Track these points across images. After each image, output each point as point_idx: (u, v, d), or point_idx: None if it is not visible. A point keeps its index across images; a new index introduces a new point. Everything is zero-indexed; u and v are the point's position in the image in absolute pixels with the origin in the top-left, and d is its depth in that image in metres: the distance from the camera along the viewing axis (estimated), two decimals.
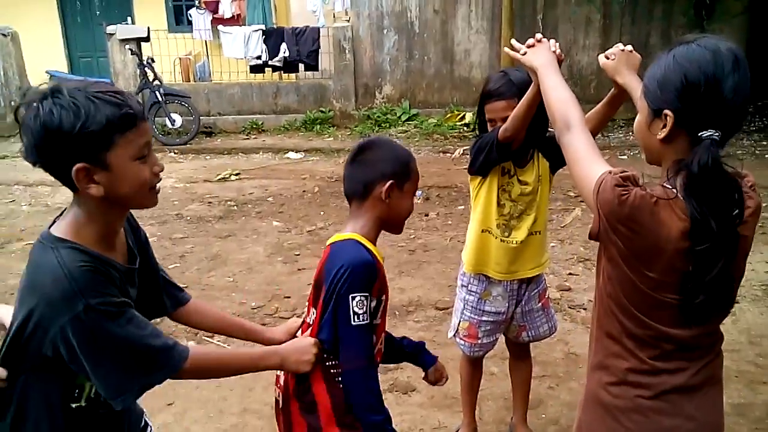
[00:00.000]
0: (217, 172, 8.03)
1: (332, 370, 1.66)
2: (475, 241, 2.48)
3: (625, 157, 8.23)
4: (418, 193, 6.64)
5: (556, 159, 2.31)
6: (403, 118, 10.27)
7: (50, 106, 1.25)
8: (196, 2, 11.56)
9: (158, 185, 1.44)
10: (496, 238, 2.43)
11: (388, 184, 1.68)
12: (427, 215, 6.04)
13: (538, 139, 2.33)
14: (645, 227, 1.31)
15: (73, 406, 1.41)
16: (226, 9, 11.64)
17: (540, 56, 1.75)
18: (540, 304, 2.59)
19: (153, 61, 9.66)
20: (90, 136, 1.26)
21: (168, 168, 8.29)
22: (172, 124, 9.53)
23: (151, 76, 9.53)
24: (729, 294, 1.39)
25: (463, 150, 8.49)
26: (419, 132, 9.78)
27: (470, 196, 2.55)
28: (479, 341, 2.57)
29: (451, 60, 10.49)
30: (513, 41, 1.87)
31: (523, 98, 2.07)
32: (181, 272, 4.81)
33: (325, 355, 1.66)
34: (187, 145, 9.52)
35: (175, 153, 9.27)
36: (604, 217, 1.34)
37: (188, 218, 6.16)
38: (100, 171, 1.30)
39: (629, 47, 1.77)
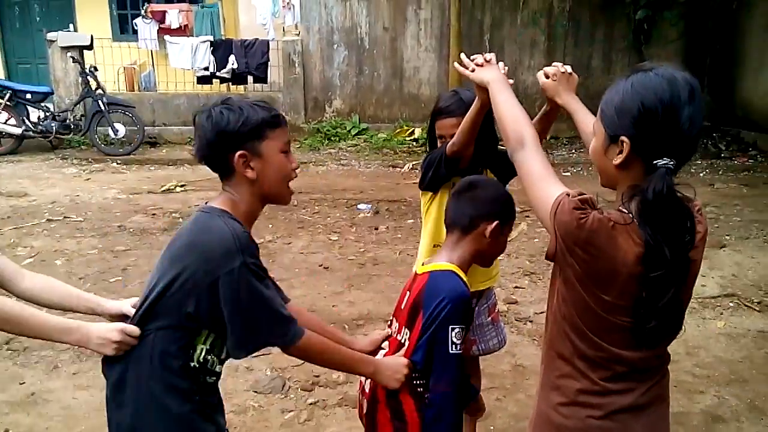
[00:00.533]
0: (161, 183, 7.85)
1: (419, 389, 1.80)
2: (427, 256, 2.49)
3: (569, 173, 8.46)
4: (368, 206, 6.66)
5: (505, 174, 2.34)
6: (353, 132, 10.30)
7: (221, 109, 1.62)
8: (142, 11, 11.34)
9: (291, 184, 1.74)
10: None
11: (494, 224, 1.78)
12: (376, 229, 6.05)
13: (487, 157, 2.36)
14: (602, 251, 1.31)
15: (190, 364, 1.61)
16: (173, 19, 11.46)
17: (489, 73, 1.77)
18: (490, 318, 2.61)
19: (96, 69, 9.43)
20: (248, 130, 1.61)
21: (110, 179, 8.16)
22: (116, 134, 9.30)
23: (93, 85, 9.31)
24: (679, 318, 1.41)
25: (413, 165, 8.57)
26: (369, 146, 9.83)
27: (420, 211, 2.56)
28: None
29: (401, 76, 10.61)
30: (463, 56, 1.89)
31: (468, 113, 2.10)
32: (124, 286, 4.66)
33: (414, 374, 1.79)
34: (131, 156, 9.29)
35: (117, 163, 9.03)
36: (561, 239, 1.35)
37: (131, 230, 5.99)
38: (256, 158, 1.63)
39: (568, 68, 1.81)
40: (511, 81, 1.78)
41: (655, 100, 1.30)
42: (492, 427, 3.04)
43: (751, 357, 3.70)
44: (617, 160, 1.36)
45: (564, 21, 10.49)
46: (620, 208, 1.37)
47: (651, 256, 1.30)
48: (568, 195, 1.35)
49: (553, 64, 1.84)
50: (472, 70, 1.82)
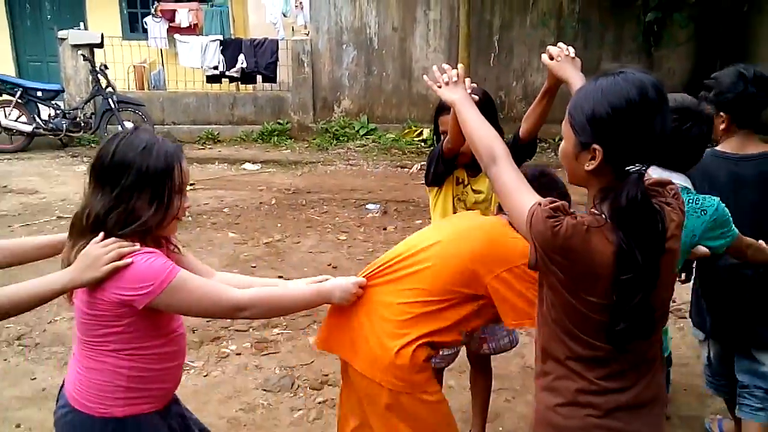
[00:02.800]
0: None
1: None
2: None
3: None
4: (376, 206, 6.67)
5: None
6: (362, 132, 10.31)
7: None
8: (152, 10, 11.38)
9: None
10: None
11: None
12: (385, 229, 6.05)
13: None
14: (579, 255, 1.33)
15: None
16: (183, 18, 11.50)
17: (455, 92, 1.80)
18: None
19: (106, 67, 9.46)
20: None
21: None
22: None
23: (104, 83, 9.34)
24: (649, 321, 1.40)
25: (421, 165, 8.56)
26: (377, 146, 9.83)
27: (429, 209, 2.62)
28: (440, 353, 2.57)
29: (410, 77, 10.61)
30: (435, 69, 1.91)
31: (453, 113, 2.09)
32: None
33: None
34: None
35: None
36: (539, 248, 1.37)
37: None
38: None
39: (572, 51, 1.85)
40: (475, 101, 1.79)
41: (627, 108, 1.31)
42: (501, 428, 3.04)
43: None
44: (590, 166, 1.37)
45: (573, 22, 10.46)
46: (592, 210, 1.40)
47: (622, 259, 1.31)
48: (540, 204, 1.37)
49: (558, 44, 1.86)
50: (439, 86, 1.86)
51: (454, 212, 2.47)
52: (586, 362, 1.43)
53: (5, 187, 7.47)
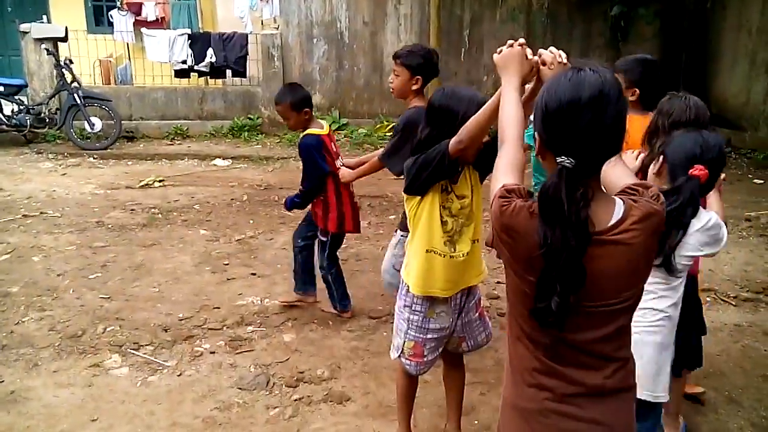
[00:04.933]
0: (139, 178, 7.75)
1: None
2: (420, 263, 2.44)
3: None
4: None
5: (484, 168, 2.36)
6: (333, 127, 10.25)
7: None
8: (118, 3, 11.17)
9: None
10: (443, 256, 2.41)
11: None
12: None
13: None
14: (520, 235, 1.39)
15: None
16: (149, 11, 11.32)
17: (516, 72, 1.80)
18: (477, 313, 2.64)
19: (71, 62, 9.27)
20: None
21: (87, 173, 8.05)
22: (92, 128, 9.15)
23: (69, 78, 9.15)
24: (564, 307, 1.37)
25: None
26: (350, 141, 9.81)
27: (402, 204, 2.52)
28: (425, 359, 2.57)
29: (381, 71, 10.59)
30: (548, 51, 1.83)
31: (486, 108, 2.07)
32: (103, 282, 4.61)
33: None
34: (108, 150, 9.16)
35: (94, 158, 8.89)
36: (493, 226, 1.46)
37: (110, 226, 5.91)
38: None
39: (564, 57, 1.80)
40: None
41: (555, 102, 1.39)
42: (476, 422, 3.07)
43: (728, 351, 3.78)
44: (536, 151, 1.49)
45: (542, 17, 10.56)
46: None
47: (541, 247, 1.35)
48: (503, 187, 1.45)
49: (549, 49, 1.82)
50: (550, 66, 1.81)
51: (442, 222, 2.37)
52: (535, 343, 1.47)
53: None
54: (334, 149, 3.97)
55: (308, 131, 3.88)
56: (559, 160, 1.37)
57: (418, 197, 2.38)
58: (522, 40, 1.82)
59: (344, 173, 3.81)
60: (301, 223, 4.19)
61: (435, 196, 2.36)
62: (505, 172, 1.52)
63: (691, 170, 2.11)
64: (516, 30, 10.52)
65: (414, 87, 3.26)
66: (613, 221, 1.41)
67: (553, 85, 1.42)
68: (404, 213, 2.59)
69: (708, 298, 4.51)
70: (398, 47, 4.08)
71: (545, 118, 1.41)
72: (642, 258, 1.45)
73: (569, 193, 1.34)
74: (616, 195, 1.49)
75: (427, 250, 2.42)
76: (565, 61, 1.80)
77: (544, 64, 1.81)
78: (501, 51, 1.85)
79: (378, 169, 3.65)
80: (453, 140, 2.20)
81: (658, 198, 1.48)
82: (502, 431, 1.62)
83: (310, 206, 4.03)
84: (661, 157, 2.27)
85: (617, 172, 1.61)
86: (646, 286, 1.52)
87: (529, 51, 1.81)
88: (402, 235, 3.16)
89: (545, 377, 1.46)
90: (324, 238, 4.00)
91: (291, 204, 4.05)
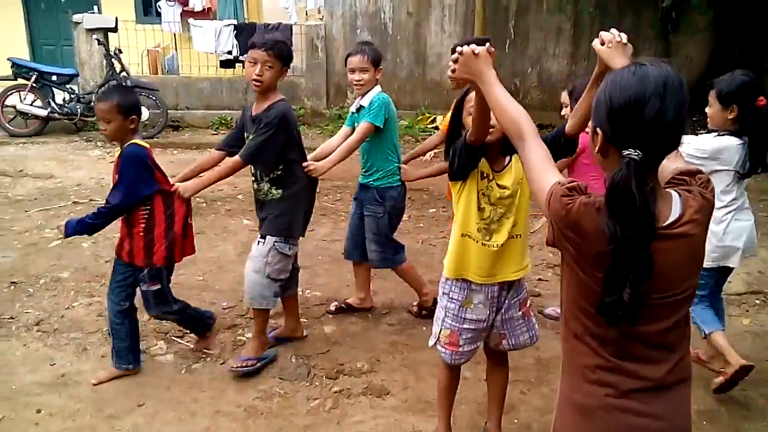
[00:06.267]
0: (184, 167, 7.86)
1: None
2: (455, 246, 2.51)
3: None
4: None
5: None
6: None
7: None
8: None
9: None
10: (477, 242, 2.45)
11: None
12: None
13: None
14: (588, 232, 1.40)
15: None
16: (196, 2, 11.47)
17: (485, 64, 1.78)
18: (521, 312, 2.61)
19: (120, 52, 9.47)
20: None
21: None
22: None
23: (118, 68, 9.35)
24: (637, 301, 1.38)
25: (434, 153, 8.51)
26: None
27: (443, 198, 2.58)
28: (460, 349, 2.58)
29: (424, 63, 10.54)
30: (609, 33, 1.81)
31: (477, 97, 2.06)
32: None
33: None
34: (154, 139, 9.33)
35: None
36: (555, 225, 1.45)
37: None
38: None
39: (624, 37, 1.78)
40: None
41: (621, 95, 1.39)
42: (516, 420, 3.04)
43: None
44: (595, 148, 1.48)
45: (590, 8, 10.31)
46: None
47: (611, 239, 1.36)
48: (559, 183, 1.46)
49: (611, 30, 1.82)
50: (609, 46, 1.79)
51: (479, 208, 2.42)
52: (600, 340, 1.47)
53: (21, 171, 7.52)
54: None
55: (135, 141, 3.20)
56: (625, 153, 1.37)
57: (460, 182, 2.45)
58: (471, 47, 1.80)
59: (186, 187, 3.54)
60: (111, 284, 3.34)
61: (474, 182, 2.43)
62: (545, 170, 1.54)
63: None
64: (563, 21, 10.33)
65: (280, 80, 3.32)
66: (674, 215, 1.42)
67: (616, 79, 1.43)
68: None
69: (757, 301, 4.38)
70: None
71: (611, 113, 1.40)
72: (701, 246, 1.49)
73: (639, 185, 1.35)
74: (666, 185, 1.50)
75: (462, 234, 2.48)
76: (625, 40, 1.78)
77: (602, 43, 1.79)
78: (454, 68, 1.83)
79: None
80: (467, 132, 2.29)
81: (708, 184, 1.51)
82: (559, 428, 1.61)
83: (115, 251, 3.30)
84: None
85: (676, 167, 1.60)
86: None
87: (478, 48, 1.78)
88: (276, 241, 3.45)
89: (607, 373, 1.47)
90: (152, 284, 3.25)
91: (81, 226, 3.11)
